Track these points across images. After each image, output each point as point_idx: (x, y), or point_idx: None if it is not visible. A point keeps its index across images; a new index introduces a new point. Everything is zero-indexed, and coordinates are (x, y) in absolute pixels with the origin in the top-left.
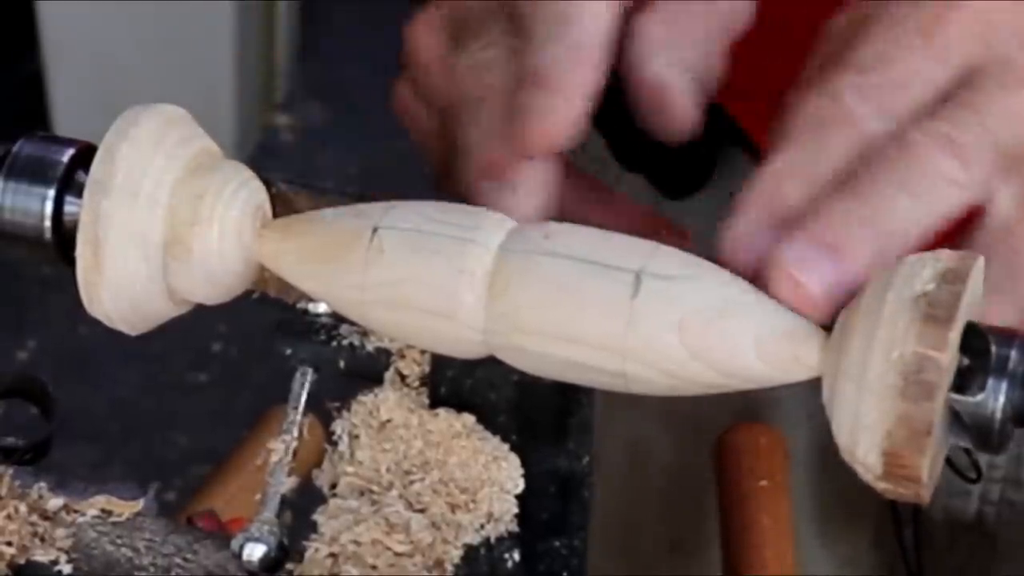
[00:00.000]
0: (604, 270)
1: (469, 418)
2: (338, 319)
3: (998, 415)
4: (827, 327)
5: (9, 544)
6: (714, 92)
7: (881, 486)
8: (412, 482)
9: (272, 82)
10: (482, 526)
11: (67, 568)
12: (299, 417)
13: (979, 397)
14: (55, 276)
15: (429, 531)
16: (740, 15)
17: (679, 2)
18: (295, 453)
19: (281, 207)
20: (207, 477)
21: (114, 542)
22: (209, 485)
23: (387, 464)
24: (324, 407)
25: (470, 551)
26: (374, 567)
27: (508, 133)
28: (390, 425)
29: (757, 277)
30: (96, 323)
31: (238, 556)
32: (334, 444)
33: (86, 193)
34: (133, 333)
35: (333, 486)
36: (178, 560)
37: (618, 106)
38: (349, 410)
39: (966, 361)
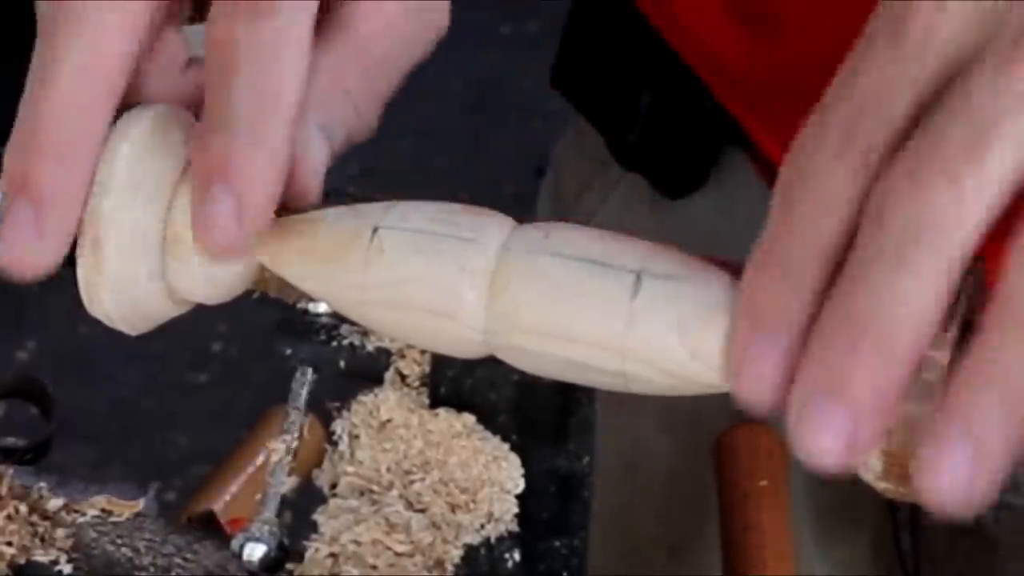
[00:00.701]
0: (604, 270)
1: (469, 418)
2: (338, 319)
3: None
4: None
5: (9, 544)
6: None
7: (881, 486)
8: (412, 482)
9: None
10: (482, 526)
11: (67, 568)
12: (299, 417)
13: None
14: (55, 276)
15: (429, 531)
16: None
17: None
18: (295, 453)
19: (281, 207)
20: (207, 477)
21: (114, 542)
22: (209, 485)
23: (387, 464)
24: (324, 407)
25: (470, 551)
26: (374, 567)
27: None
28: (390, 425)
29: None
30: (96, 323)
31: (238, 556)
32: (334, 444)
33: None
34: (133, 333)
35: (333, 486)
36: (178, 560)
37: (616, 107)
38: (349, 410)
39: None
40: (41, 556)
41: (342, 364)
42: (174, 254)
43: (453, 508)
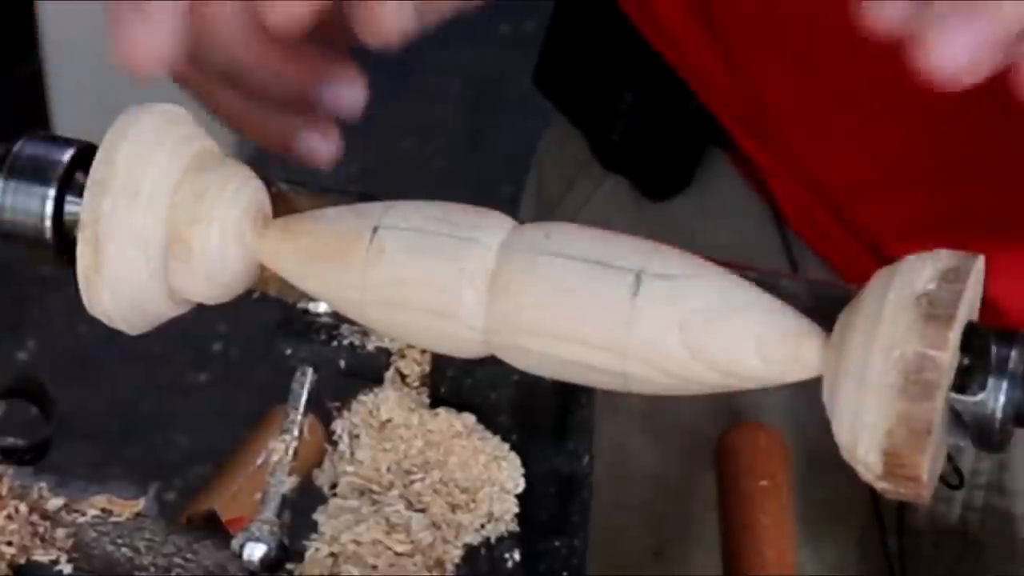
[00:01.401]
0: (605, 270)
1: (469, 418)
2: (338, 319)
3: (998, 414)
4: (827, 327)
5: (9, 544)
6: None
7: (881, 485)
8: (412, 482)
9: None
10: (482, 526)
11: (67, 568)
12: (299, 417)
13: (979, 396)
14: (55, 276)
15: (429, 531)
16: None
17: None
18: (295, 453)
19: (281, 207)
20: (207, 477)
21: (114, 542)
22: (209, 485)
23: (387, 464)
24: (324, 407)
25: (470, 551)
26: (374, 567)
27: None
28: (390, 425)
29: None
30: (96, 323)
31: (238, 556)
32: (334, 444)
33: (86, 193)
34: (133, 333)
35: (333, 486)
36: (178, 560)
37: (599, 107)
38: (349, 410)
39: (966, 360)
40: (41, 556)
41: (342, 364)
42: (174, 254)
43: (453, 508)
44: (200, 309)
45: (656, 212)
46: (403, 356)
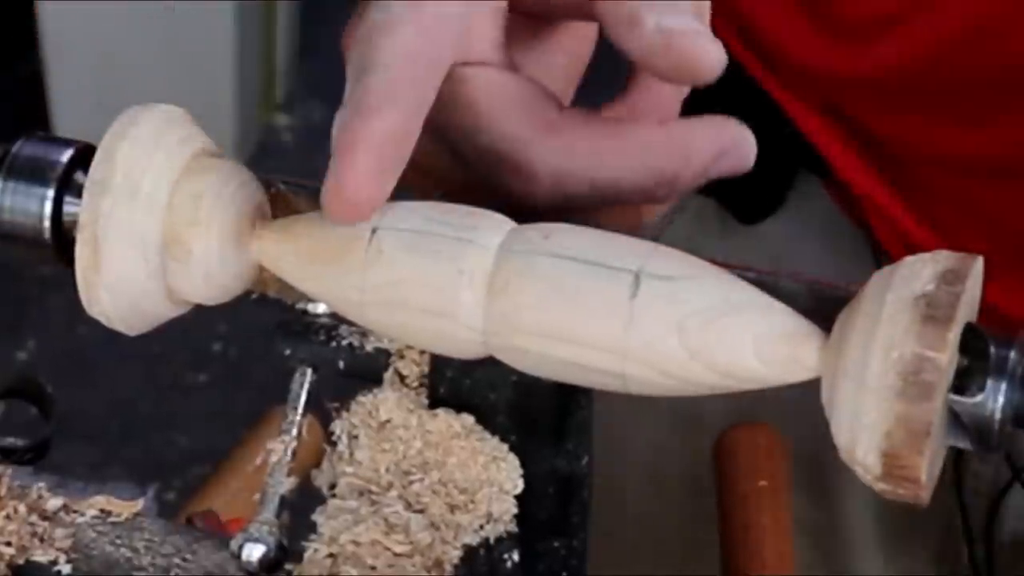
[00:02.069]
0: (603, 270)
1: (468, 418)
2: (337, 319)
3: (997, 416)
4: (826, 328)
5: (8, 544)
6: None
7: (880, 487)
8: (411, 482)
9: (272, 82)
10: (481, 526)
11: (66, 568)
12: (298, 417)
13: (978, 398)
14: (55, 276)
15: (428, 531)
16: None
17: None
18: (294, 453)
19: (281, 207)
20: (207, 477)
21: (113, 542)
22: (209, 485)
23: (386, 464)
24: (323, 408)
25: (469, 551)
26: (373, 567)
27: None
28: (389, 425)
29: None
30: (96, 323)
31: (237, 556)
32: (333, 444)
33: (85, 193)
34: (132, 333)
35: (332, 486)
36: (177, 560)
37: None
38: (348, 410)
39: (965, 362)
40: (40, 556)
41: (341, 364)
42: (173, 254)
43: (452, 508)
44: (199, 310)
45: (744, 234)
46: (402, 357)
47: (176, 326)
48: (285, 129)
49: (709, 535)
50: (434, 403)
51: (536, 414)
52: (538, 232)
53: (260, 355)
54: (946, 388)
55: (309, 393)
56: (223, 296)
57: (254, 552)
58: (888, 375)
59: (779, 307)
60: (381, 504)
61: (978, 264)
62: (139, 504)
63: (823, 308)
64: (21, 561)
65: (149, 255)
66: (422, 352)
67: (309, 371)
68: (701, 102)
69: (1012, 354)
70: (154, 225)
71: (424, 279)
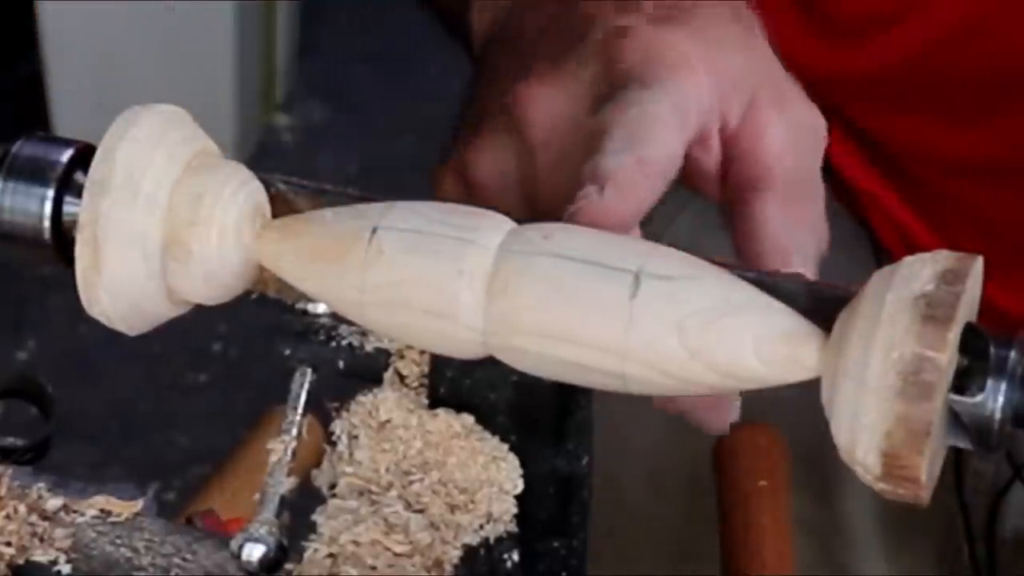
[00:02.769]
0: (603, 271)
1: (468, 418)
2: (337, 319)
3: (997, 416)
4: (826, 328)
5: (8, 544)
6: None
7: (880, 487)
8: (411, 482)
9: (272, 82)
10: (481, 526)
11: (66, 568)
12: (298, 417)
13: (978, 398)
14: (55, 276)
15: (428, 531)
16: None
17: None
18: (294, 453)
19: (281, 207)
20: (207, 477)
21: (113, 542)
22: (209, 485)
23: (386, 464)
24: (323, 407)
25: (469, 551)
26: (373, 567)
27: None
28: (389, 425)
29: None
30: (96, 323)
31: (237, 556)
32: (333, 444)
33: (85, 193)
34: (132, 333)
35: (332, 486)
36: (177, 560)
37: None
38: (348, 410)
39: (965, 362)
40: (40, 556)
41: (341, 364)
42: (173, 255)
43: (452, 508)
44: (199, 310)
45: None
46: (402, 357)
47: (176, 326)
48: (285, 129)
49: (709, 535)
50: (434, 403)
51: (536, 414)
52: (538, 232)
53: (260, 355)
54: (946, 388)
55: (309, 393)
56: (223, 296)
57: (254, 552)
58: (888, 375)
59: (779, 307)
60: (381, 504)
61: (978, 264)
62: (139, 504)
63: (823, 308)
64: (21, 561)
65: (149, 255)
66: (422, 352)
67: (309, 371)
68: None
69: (1012, 354)
70: (154, 225)
71: (424, 279)
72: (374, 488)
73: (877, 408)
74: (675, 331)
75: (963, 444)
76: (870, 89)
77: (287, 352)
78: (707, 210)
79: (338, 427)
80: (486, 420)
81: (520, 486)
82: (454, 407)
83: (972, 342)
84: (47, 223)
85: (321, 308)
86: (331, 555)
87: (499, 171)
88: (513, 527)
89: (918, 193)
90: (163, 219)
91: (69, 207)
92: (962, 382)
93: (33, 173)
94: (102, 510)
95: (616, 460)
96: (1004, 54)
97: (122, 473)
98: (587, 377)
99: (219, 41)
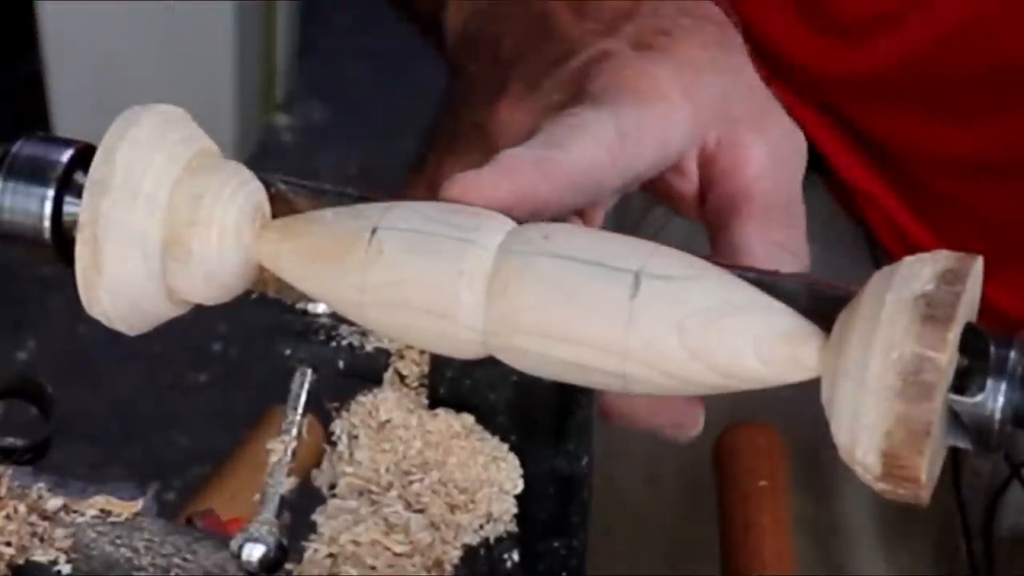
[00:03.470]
0: (603, 271)
1: (468, 418)
2: (337, 319)
3: (997, 416)
4: (826, 328)
5: (8, 544)
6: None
7: (880, 487)
8: (411, 482)
9: (272, 82)
10: (481, 526)
11: (66, 568)
12: (298, 417)
13: (978, 398)
14: (55, 276)
15: (428, 531)
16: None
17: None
18: (294, 453)
19: (281, 207)
20: (207, 477)
21: (113, 542)
22: (209, 485)
23: (386, 464)
24: (323, 407)
25: (469, 551)
26: (373, 567)
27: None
28: (389, 425)
29: None
30: (96, 323)
31: (237, 556)
32: (333, 444)
33: (85, 193)
34: (132, 333)
35: (332, 486)
36: (177, 560)
37: None
38: (348, 410)
39: (965, 362)
40: (40, 556)
41: (341, 364)
42: (173, 255)
43: (452, 508)
44: (199, 310)
45: None
46: (402, 357)
47: (176, 326)
48: (285, 129)
49: (709, 535)
50: (434, 403)
51: (536, 414)
52: (538, 232)
53: (260, 355)
54: (946, 388)
55: (309, 393)
56: (223, 296)
57: (254, 552)
58: (888, 375)
59: (779, 307)
60: (381, 504)
61: (978, 264)
62: (139, 504)
63: (823, 308)
64: (21, 561)
65: (149, 255)
66: (422, 352)
67: (309, 371)
68: None
69: (1012, 354)
70: (154, 225)
71: (424, 279)
72: (374, 488)
73: (877, 408)
74: (675, 331)
75: (963, 444)
76: (869, 89)
77: (287, 352)
78: None
79: (338, 427)
80: (486, 420)
81: (520, 486)
82: (454, 407)
83: (972, 342)
84: (47, 223)
85: (321, 308)
86: (331, 555)
87: None
88: (513, 527)
89: (917, 193)
90: (163, 219)
91: (69, 207)
92: (962, 382)
93: (33, 173)
94: (102, 510)
95: (616, 460)
96: (1004, 54)
97: (122, 473)
98: (587, 377)
99: (219, 41)
